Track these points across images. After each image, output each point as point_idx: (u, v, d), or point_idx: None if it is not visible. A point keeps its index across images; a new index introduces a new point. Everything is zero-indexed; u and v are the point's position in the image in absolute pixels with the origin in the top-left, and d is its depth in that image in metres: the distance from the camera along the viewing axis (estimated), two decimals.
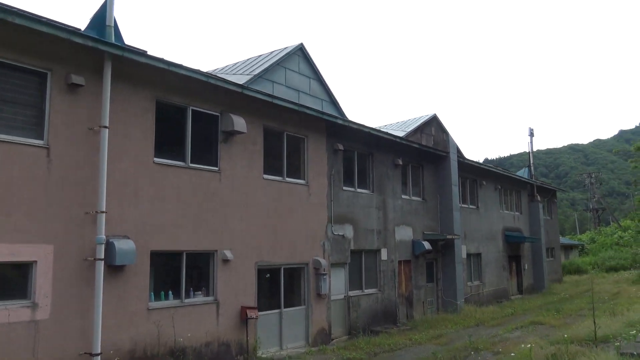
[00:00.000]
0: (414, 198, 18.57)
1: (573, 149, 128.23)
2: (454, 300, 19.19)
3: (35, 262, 8.58)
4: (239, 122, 11.76)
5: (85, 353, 8.93)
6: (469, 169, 21.84)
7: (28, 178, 8.59)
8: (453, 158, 19.79)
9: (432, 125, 20.15)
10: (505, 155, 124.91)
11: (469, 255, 21.46)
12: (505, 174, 26.27)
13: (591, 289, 26.06)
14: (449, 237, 18.88)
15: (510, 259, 25.58)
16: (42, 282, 8.62)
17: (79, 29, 9.42)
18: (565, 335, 11.54)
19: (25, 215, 8.50)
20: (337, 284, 14.71)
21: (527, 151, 31.12)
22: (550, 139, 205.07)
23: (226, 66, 16.39)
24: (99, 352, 8.96)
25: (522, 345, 11.02)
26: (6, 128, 8.46)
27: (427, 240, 18.32)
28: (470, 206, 22.30)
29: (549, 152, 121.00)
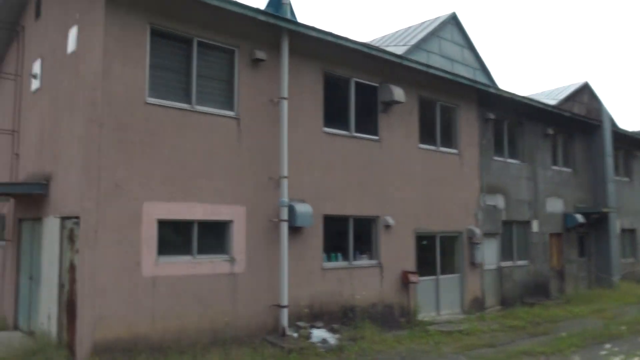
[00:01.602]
0: (564, 169, 17.74)
1: None
2: (608, 276, 18.13)
3: (232, 221, 9.57)
4: (398, 92, 12.02)
5: (274, 305, 9.83)
6: (622, 139, 20.31)
7: (224, 146, 9.56)
8: (606, 127, 18.53)
9: (584, 93, 19.00)
10: None
11: (622, 230, 20.07)
12: None
13: None
14: (604, 210, 17.81)
15: None
16: (238, 240, 9.60)
17: (260, 8, 10.18)
18: None
19: (223, 179, 9.49)
20: (489, 254, 14.59)
21: None
22: None
23: (382, 37, 16.71)
24: (286, 304, 9.82)
25: None
26: (206, 101, 9.47)
27: (580, 214, 17.44)
28: (623, 179, 20.76)
29: None
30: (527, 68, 73.81)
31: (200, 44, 9.41)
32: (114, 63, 8.39)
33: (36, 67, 11.01)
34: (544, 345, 9.82)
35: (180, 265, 8.90)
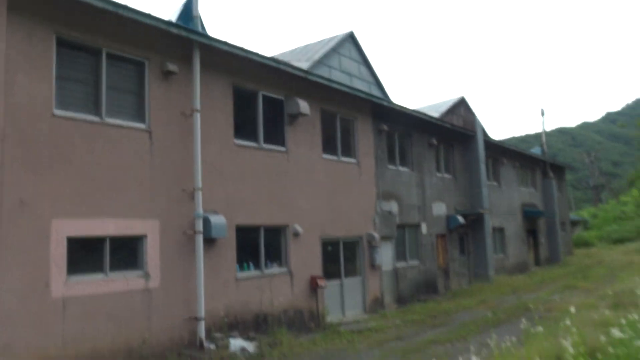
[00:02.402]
0: (446, 175, 19.48)
1: (561, 131, 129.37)
2: (485, 271, 20.19)
3: (146, 235, 9.37)
4: (304, 105, 12.53)
5: (191, 317, 9.76)
6: (491, 147, 22.76)
7: (136, 159, 9.35)
8: (479, 137, 20.69)
9: (461, 106, 21.03)
10: (507, 137, 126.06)
11: (493, 229, 22.45)
12: (523, 152, 27.25)
13: (603, 260, 27.29)
14: (480, 211, 19.83)
15: (528, 233, 26.64)
16: (152, 254, 9.43)
17: (172, 21, 10.12)
18: (610, 292, 12.54)
19: (135, 193, 9.28)
20: (386, 256, 15.59)
21: (529, 133, 31.93)
22: (538, 123, 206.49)
23: (283, 53, 17.11)
24: (203, 316, 9.80)
25: (569, 305, 11.93)
26: (117, 113, 9.21)
27: (460, 215, 19.25)
28: (493, 183, 23.25)
29: (539, 135, 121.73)
30: (411, 83, 79.01)
31: (109, 55, 9.14)
32: (18, 74, 7.90)
33: None
34: (446, 334, 10.83)
35: (92, 284, 8.54)
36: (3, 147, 7.67)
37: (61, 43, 8.48)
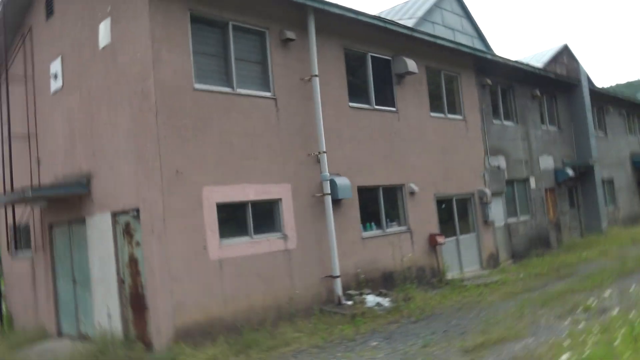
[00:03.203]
0: (550, 128, 18.75)
1: None
2: (597, 223, 19.37)
3: (280, 199, 9.78)
4: (411, 64, 12.44)
5: (326, 276, 10.14)
6: (597, 96, 21.56)
7: (265, 126, 9.73)
8: (585, 85, 19.65)
9: (564, 55, 20.05)
10: (610, 84, 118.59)
11: (602, 181, 21.39)
12: (630, 99, 25.65)
13: None
14: (589, 163, 18.96)
15: (638, 184, 25.18)
16: (288, 217, 9.83)
17: None
18: None
19: (267, 159, 9.67)
20: (497, 212, 15.32)
21: (631, 80, 29.84)
22: None
23: (382, 12, 17.02)
24: (338, 274, 10.15)
25: None
26: (245, 83, 9.59)
27: (569, 168, 18.51)
28: (599, 133, 22.07)
29: None
30: (511, 33, 75.92)
31: (235, 27, 9.49)
32: (162, 51, 8.40)
33: (55, 67, 10.76)
34: (578, 284, 10.55)
35: (241, 246, 9.06)
36: (157, 121, 8.24)
37: (194, 19, 8.90)
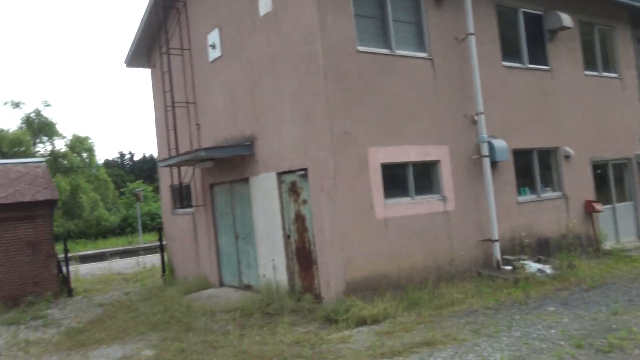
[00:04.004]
0: None
1: None
2: None
3: (439, 161, 9.71)
4: (566, 18, 11.65)
5: (484, 240, 10.00)
6: None
7: (422, 87, 9.64)
8: None
9: None
10: None
11: None
12: None
13: None
14: None
15: None
16: (446, 178, 9.76)
17: None
18: None
19: (425, 121, 9.61)
20: None
21: None
22: None
23: None
24: (497, 238, 9.96)
25: None
26: (402, 44, 9.53)
27: None
28: None
29: None
30: None
31: None
32: (327, 15, 8.55)
33: (213, 38, 11.37)
34: None
35: (403, 206, 9.15)
36: (326, 84, 8.46)
37: None
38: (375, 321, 7.73)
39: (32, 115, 34.73)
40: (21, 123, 34.90)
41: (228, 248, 11.58)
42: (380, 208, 8.80)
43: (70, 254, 14.97)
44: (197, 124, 12.20)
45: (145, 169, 62.28)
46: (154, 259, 18.99)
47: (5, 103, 34.92)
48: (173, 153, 12.30)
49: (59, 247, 14.89)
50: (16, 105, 35.03)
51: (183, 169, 12.58)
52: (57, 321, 10.34)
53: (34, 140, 34.63)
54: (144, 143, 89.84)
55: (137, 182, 44.66)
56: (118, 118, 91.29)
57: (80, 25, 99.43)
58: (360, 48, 8.90)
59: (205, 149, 9.98)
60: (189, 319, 9.13)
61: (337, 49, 8.62)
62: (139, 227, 31.42)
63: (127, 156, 67.91)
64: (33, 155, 32.24)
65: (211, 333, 8.14)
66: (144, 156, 67.83)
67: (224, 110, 11.24)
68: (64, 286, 13.30)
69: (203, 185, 12.16)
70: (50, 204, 13.01)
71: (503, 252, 10.22)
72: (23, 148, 32.61)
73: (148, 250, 25.65)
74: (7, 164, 14.33)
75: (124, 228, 36.97)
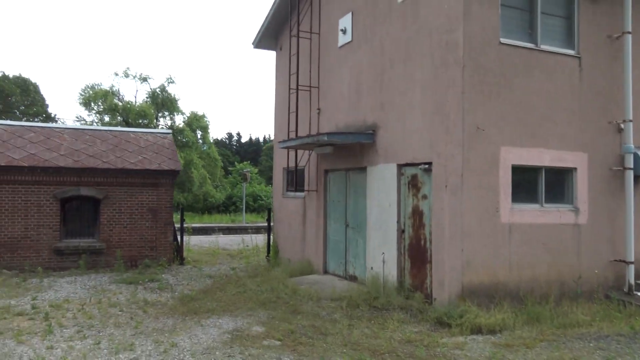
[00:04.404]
0: None
1: None
2: None
3: (575, 169, 8.93)
4: None
5: (616, 260, 9.08)
6: None
7: (566, 87, 8.88)
8: None
9: None
10: None
11: None
12: None
13: None
14: None
15: None
16: (581, 189, 8.96)
17: None
18: None
19: (565, 124, 8.85)
20: None
21: None
22: None
23: None
24: (632, 260, 9.00)
25: None
26: (548, 39, 8.83)
27: None
28: None
29: None
30: None
31: None
32: (473, 4, 8.10)
33: (345, 22, 11.29)
34: None
35: (530, 213, 8.52)
36: (463, 75, 8.03)
37: None
38: (491, 331, 7.28)
39: (157, 90, 37.16)
40: (147, 97, 37.51)
41: (336, 236, 11.53)
42: (505, 212, 8.25)
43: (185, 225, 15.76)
44: (318, 109, 12.23)
45: (250, 152, 64.75)
46: (256, 238, 19.54)
47: (134, 77, 37.60)
48: (292, 135, 12.45)
49: (175, 217, 15.74)
50: (144, 79, 37.71)
51: (300, 152, 12.70)
52: (171, 286, 10.88)
53: (156, 114, 37.07)
54: (251, 125, 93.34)
55: (244, 163, 46.41)
56: (231, 99, 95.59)
57: (210, 9, 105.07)
58: (504, 40, 8.36)
59: (328, 134, 9.94)
60: (295, 302, 9.20)
61: (479, 39, 8.15)
62: (243, 207, 32.60)
63: (235, 138, 70.99)
64: (155, 128, 34.54)
65: (319, 319, 8.11)
66: (250, 139, 70.54)
67: (347, 96, 11.14)
68: (177, 254, 14.03)
69: (318, 171, 12.19)
70: (173, 174, 13.74)
71: (637, 276, 9.23)
72: (146, 121, 35.03)
73: (250, 230, 26.52)
74: (138, 132, 15.35)
75: (228, 206, 38.57)
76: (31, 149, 13.07)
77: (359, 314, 8.33)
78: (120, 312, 8.57)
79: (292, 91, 12.68)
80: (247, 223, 30.20)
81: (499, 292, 8.12)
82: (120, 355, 6.35)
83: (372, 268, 10.03)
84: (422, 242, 8.79)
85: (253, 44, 14.87)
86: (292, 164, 12.88)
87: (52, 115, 47.86)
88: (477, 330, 7.27)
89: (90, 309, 8.73)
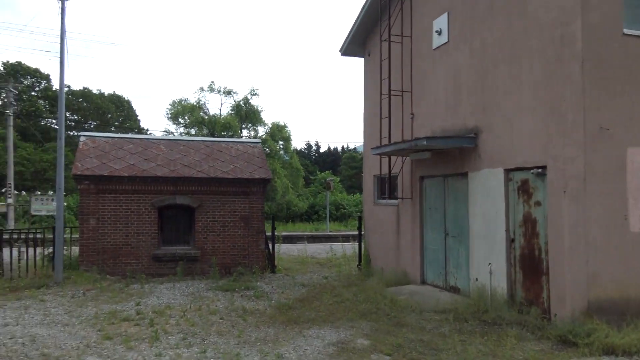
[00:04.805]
0: None
1: None
2: None
3: None
4: None
5: None
6: None
7: None
8: None
9: None
10: None
11: None
12: None
13: None
14: None
15: None
16: None
17: None
18: None
19: None
20: None
21: None
22: None
23: None
24: None
25: None
26: None
27: None
28: None
29: None
30: None
31: None
32: None
33: (440, 23, 10.83)
34: None
35: None
36: (582, 70, 7.35)
37: None
38: (626, 352, 6.52)
39: (241, 102, 38.16)
40: (231, 110, 38.60)
41: (434, 245, 11.00)
42: (636, 220, 7.43)
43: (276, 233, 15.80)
44: (412, 114, 11.81)
45: (329, 161, 65.04)
46: (343, 247, 19.28)
47: (218, 91, 38.82)
48: (385, 142, 12.09)
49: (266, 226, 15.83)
50: (228, 93, 38.85)
51: (393, 158, 12.31)
52: (266, 294, 10.82)
53: (240, 126, 38.05)
54: (329, 135, 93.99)
55: (326, 172, 46.56)
56: (310, 109, 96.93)
57: (293, 20, 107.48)
58: (627, 31, 7.58)
59: (427, 138, 9.50)
60: (397, 313, 8.80)
61: (599, 31, 7.44)
62: (327, 215, 32.54)
63: (314, 148, 71.73)
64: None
65: (425, 332, 7.66)
66: (329, 148, 70.95)
67: (445, 99, 10.65)
68: (269, 262, 14.05)
69: (412, 177, 11.75)
70: (263, 182, 13.81)
71: None
72: (231, 132, 36.01)
73: (334, 239, 26.36)
74: (229, 142, 15.63)
75: (311, 215, 38.72)
76: (130, 160, 13.61)
77: (468, 329, 7.79)
78: (220, 320, 8.56)
79: (384, 97, 12.34)
80: (331, 231, 30.08)
81: (632, 308, 7.30)
82: None
83: (476, 279, 9.43)
84: (537, 253, 8.11)
85: (340, 51, 14.71)
86: (384, 171, 12.50)
87: (144, 129, 50.59)
88: (610, 351, 6.54)
89: (191, 316, 8.80)
